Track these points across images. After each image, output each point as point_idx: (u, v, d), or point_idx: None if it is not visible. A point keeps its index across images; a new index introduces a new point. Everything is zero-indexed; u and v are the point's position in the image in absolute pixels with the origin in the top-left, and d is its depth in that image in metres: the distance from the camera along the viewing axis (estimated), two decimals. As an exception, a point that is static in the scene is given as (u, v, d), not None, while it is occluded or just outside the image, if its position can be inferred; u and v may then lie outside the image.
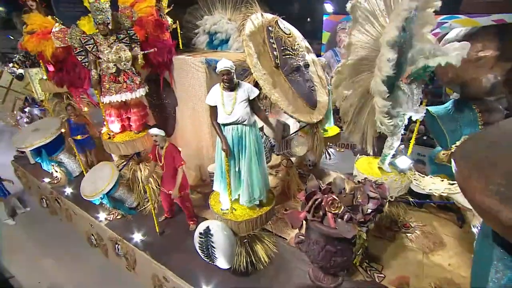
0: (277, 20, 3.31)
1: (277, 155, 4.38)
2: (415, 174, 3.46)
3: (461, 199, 3.07)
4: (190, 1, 5.42)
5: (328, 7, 10.47)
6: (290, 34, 3.40)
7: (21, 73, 5.81)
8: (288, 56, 3.24)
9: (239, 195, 2.98)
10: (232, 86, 2.58)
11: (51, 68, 4.17)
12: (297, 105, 3.26)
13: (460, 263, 3.15)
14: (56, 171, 4.90)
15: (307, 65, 3.53)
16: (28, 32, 3.49)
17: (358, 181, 2.52)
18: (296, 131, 4.02)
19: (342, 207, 2.30)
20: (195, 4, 5.38)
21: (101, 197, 3.56)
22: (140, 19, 3.70)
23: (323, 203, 2.38)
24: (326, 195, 2.43)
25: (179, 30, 5.78)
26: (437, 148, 4.05)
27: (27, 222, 5.30)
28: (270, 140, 4.19)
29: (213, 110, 2.66)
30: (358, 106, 3.10)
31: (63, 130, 4.80)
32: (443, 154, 3.89)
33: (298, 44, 3.51)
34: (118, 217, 4.00)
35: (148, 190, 3.38)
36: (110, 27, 3.45)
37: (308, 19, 9.26)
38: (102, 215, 3.98)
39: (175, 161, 3.40)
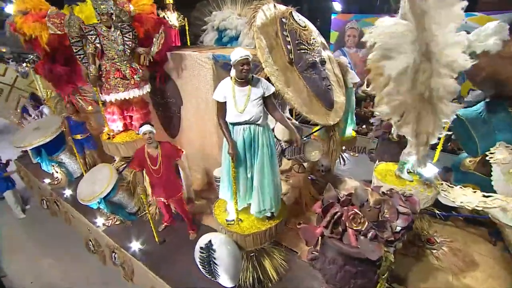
0: (291, 12, 3.01)
1: (288, 159, 4.07)
2: (442, 184, 3.09)
3: (499, 214, 2.69)
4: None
5: (337, 6, 10.16)
6: (305, 27, 3.09)
7: (26, 71, 5.67)
8: (303, 51, 2.93)
9: (249, 204, 2.69)
10: (247, 81, 2.29)
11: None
12: (312, 105, 2.95)
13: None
14: (57, 172, 4.70)
15: (323, 62, 3.22)
16: (21, 11, 3.19)
17: (383, 193, 2.18)
18: (310, 133, 3.70)
19: (366, 223, 1.98)
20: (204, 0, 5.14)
21: (98, 202, 3.31)
22: (139, 16, 3.45)
23: (343, 218, 2.05)
24: (346, 208, 2.11)
25: (187, 27, 5.57)
26: (463, 155, 3.68)
27: (28, 221, 5.23)
28: (281, 144, 3.88)
29: (221, 106, 2.38)
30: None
31: (63, 129, 4.59)
32: (470, 161, 3.53)
33: (313, 39, 3.20)
34: (117, 222, 3.75)
35: (144, 198, 3.10)
36: (113, 17, 3.21)
37: (317, 18, 8.95)
38: (100, 220, 3.74)
39: (175, 155, 3.16)
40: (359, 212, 1.99)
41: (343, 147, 4.53)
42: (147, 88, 3.49)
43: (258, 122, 2.36)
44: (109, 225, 3.72)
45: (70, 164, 4.86)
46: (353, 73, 4.06)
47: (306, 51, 2.96)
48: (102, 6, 3.08)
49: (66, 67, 3.65)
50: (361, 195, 2.04)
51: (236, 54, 2.18)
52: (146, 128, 2.95)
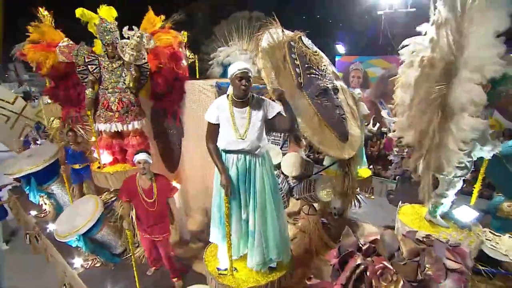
0: (300, 36, 2.83)
1: (297, 199, 3.61)
2: (485, 231, 2.55)
3: None
4: (208, 33, 5.29)
5: (340, 48, 10.49)
6: (316, 52, 2.89)
7: (36, 98, 5.70)
8: (313, 76, 2.68)
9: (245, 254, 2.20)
10: (246, 99, 1.98)
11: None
12: (324, 135, 2.60)
13: None
14: (45, 203, 4.34)
15: (336, 90, 2.95)
16: (32, 40, 3.29)
17: (420, 240, 1.69)
18: (322, 169, 3.29)
19: (401, 282, 1.47)
20: (212, 36, 5.23)
21: (76, 239, 2.88)
22: (155, 49, 3.37)
23: (367, 273, 1.56)
24: (371, 260, 1.62)
25: (197, 64, 5.65)
26: (498, 198, 3.18)
27: (8, 255, 4.86)
28: (288, 181, 3.46)
29: (213, 129, 2.05)
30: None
31: (59, 158, 4.34)
32: (509, 206, 3.00)
33: (324, 65, 2.97)
34: (97, 264, 3.25)
35: (130, 237, 2.65)
36: (117, 48, 3.15)
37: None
38: (78, 261, 3.24)
39: (169, 192, 2.80)
40: (389, 266, 1.50)
41: (358, 188, 4.06)
42: (135, 125, 3.25)
43: (256, 152, 1.99)
44: (87, 267, 3.21)
45: (61, 196, 4.49)
46: (363, 105, 3.78)
47: (316, 76, 2.71)
48: (107, 37, 3.06)
49: (73, 91, 3.58)
50: (390, 242, 1.56)
51: (234, 67, 1.91)
52: (141, 156, 2.64)
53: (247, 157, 2.01)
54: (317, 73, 2.74)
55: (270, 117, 1.99)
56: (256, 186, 2.02)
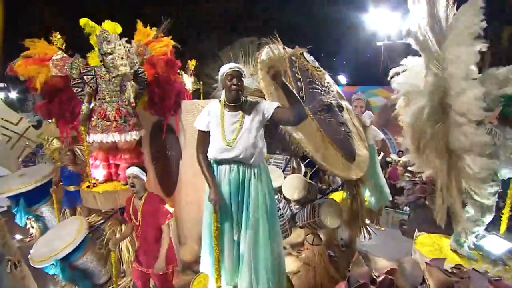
0: (302, 52, 2.75)
1: (301, 227, 3.31)
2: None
3: None
4: (214, 57, 5.36)
5: (342, 79, 10.69)
6: (318, 68, 2.79)
7: (39, 121, 5.69)
8: (316, 91, 2.55)
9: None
10: (239, 102, 1.81)
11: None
12: (328, 153, 2.39)
13: None
14: (32, 227, 4.08)
15: (340, 107, 2.79)
16: (25, 55, 3.25)
17: (450, 272, 1.39)
18: (328, 192, 3.03)
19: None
20: (218, 60, 5.28)
21: (53, 264, 2.58)
22: (151, 58, 3.39)
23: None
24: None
25: (202, 89, 5.69)
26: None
27: None
28: (290, 207, 3.20)
29: (203, 137, 1.87)
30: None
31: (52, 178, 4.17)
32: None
33: (328, 83, 2.86)
34: (76, 296, 2.90)
35: (114, 261, 2.36)
36: None
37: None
38: (53, 292, 2.91)
39: (159, 216, 2.44)
40: (411, 304, 1.19)
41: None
42: (133, 135, 3.11)
43: (251, 161, 1.78)
44: (64, 300, 2.87)
45: (51, 219, 4.23)
46: (376, 130, 3.59)
47: (319, 91, 2.58)
48: (105, 47, 3.02)
49: (67, 107, 3.48)
50: (411, 272, 1.28)
51: (224, 66, 1.79)
52: (130, 171, 2.45)
53: (241, 167, 1.79)
54: (319, 88, 2.61)
55: (269, 116, 1.79)
56: (249, 201, 1.78)
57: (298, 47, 2.80)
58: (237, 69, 1.77)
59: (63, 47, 3.52)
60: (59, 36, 3.61)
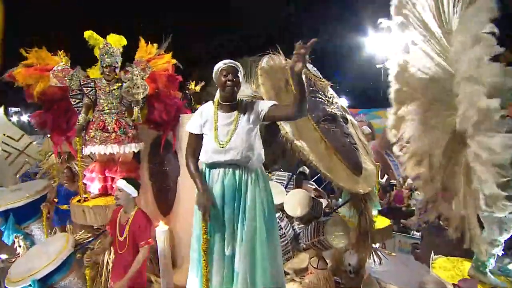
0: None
1: (305, 249, 3.05)
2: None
3: None
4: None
5: (343, 102, 10.77)
6: (321, 79, 2.70)
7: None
8: (319, 100, 2.44)
9: None
10: (234, 101, 1.70)
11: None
12: (332, 163, 2.22)
13: None
14: (20, 246, 3.86)
15: (345, 118, 2.66)
16: (25, 64, 3.26)
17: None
18: (334, 209, 2.81)
19: None
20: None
21: (30, 285, 2.35)
22: (152, 74, 3.39)
23: None
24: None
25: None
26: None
27: None
28: (293, 226, 2.97)
29: (194, 140, 1.74)
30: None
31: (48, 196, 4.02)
32: None
33: (331, 94, 2.76)
34: (55, 324, 2.62)
35: (88, 279, 2.14)
36: (116, 72, 3.12)
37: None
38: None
39: (142, 237, 2.26)
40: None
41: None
42: (132, 147, 3.02)
43: (248, 164, 1.63)
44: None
45: (41, 238, 4.01)
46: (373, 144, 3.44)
47: (322, 100, 2.47)
48: (107, 59, 3.04)
49: (63, 118, 3.43)
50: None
51: (219, 63, 1.69)
52: (119, 183, 2.34)
53: (237, 172, 1.63)
54: (322, 98, 2.50)
55: (265, 113, 1.64)
56: (245, 210, 1.59)
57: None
58: (232, 64, 1.67)
59: (68, 64, 3.57)
60: (65, 57, 3.66)
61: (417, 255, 3.31)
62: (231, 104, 1.69)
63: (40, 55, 3.21)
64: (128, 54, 3.41)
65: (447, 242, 2.79)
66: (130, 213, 2.34)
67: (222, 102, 1.71)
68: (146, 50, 3.54)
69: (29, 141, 6.04)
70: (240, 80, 1.71)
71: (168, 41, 3.60)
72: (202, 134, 1.71)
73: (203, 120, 1.71)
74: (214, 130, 1.65)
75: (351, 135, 2.61)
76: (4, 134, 5.75)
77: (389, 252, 4.77)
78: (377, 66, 9.90)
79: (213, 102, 1.76)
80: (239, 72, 1.69)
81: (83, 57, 3.40)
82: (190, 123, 1.76)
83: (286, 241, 2.81)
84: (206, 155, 1.67)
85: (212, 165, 1.67)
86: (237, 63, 1.70)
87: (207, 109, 1.75)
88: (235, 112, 1.68)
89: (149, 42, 3.59)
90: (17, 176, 5.63)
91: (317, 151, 2.16)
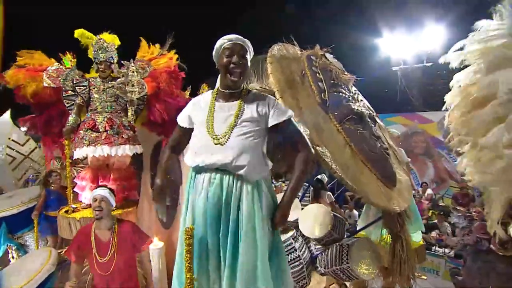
0: (324, 54, 2.26)
1: (322, 274, 2.57)
2: None
3: None
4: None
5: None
6: (345, 72, 2.27)
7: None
8: (342, 95, 2.00)
9: None
10: (238, 91, 1.30)
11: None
12: (360, 174, 1.77)
13: None
14: (13, 257, 3.60)
15: (372, 118, 2.21)
16: (18, 65, 3.06)
17: None
18: (360, 229, 2.34)
19: None
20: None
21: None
22: (153, 71, 3.11)
23: None
24: None
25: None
26: None
27: None
28: (309, 247, 2.51)
29: (181, 134, 1.40)
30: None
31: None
32: None
33: (355, 90, 2.32)
34: None
35: None
36: (112, 68, 2.84)
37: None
38: None
39: (138, 243, 2.06)
40: None
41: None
42: (127, 149, 2.67)
43: (243, 171, 1.19)
44: None
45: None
46: (402, 151, 2.95)
47: (346, 96, 2.03)
48: (101, 55, 2.79)
49: (57, 122, 3.19)
50: None
51: (221, 39, 1.28)
52: (100, 192, 2.00)
53: (226, 179, 1.20)
54: (346, 93, 2.07)
55: (274, 122, 1.24)
56: (235, 237, 1.17)
57: (318, 48, 2.33)
58: (239, 41, 1.26)
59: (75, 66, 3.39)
60: (72, 60, 3.46)
61: (458, 283, 2.77)
62: (233, 92, 1.29)
63: (34, 56, 3.02)
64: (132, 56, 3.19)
65: (497, 269, 2.29)
66: (111, 227, 2.02)
67: (222, 90, 1.31)
68: (148, 50, 3.30)
69: (34, 145, 5.93)
70: (248, 63, 1.29)
71: (169, 42, 3.37)
72: (190, 129, 1.33)
73: (195, 111, 1.33)
74: (207, 122, 1.26)
75: (381, 138, 2.15)
76: (9, 138, 5.66)
77: (419, 275, 4.19)
78: (393, 69, 9.35)
79: (212, 92, 1.36)
80: (247, 53, 1.28)
81: (86, 61, 3.21)
82: (181, 115, 1.40)
83: (301, 266, 2.34)
84: (192, 155, 1.28)
85: (199, 169, 1.27)
86: (245, 39, 1.28)
87: (203, 99, 1.36)
88: (237, 103, 1.27)
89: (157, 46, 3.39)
90: (20, 181, 5.50)
91: (341, 159, 1.71)
